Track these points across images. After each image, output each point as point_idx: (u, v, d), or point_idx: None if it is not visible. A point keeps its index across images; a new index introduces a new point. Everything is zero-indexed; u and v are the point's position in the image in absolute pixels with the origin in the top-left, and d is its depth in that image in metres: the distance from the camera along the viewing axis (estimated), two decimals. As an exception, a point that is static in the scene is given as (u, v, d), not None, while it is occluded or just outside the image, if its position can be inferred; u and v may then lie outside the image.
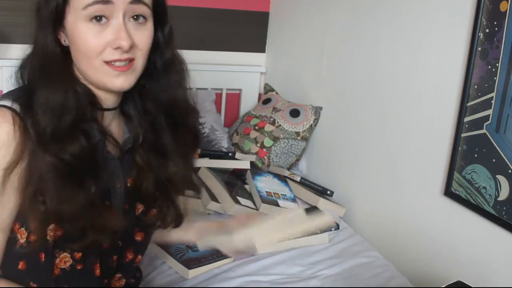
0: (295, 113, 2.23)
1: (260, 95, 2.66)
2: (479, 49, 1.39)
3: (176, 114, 1.02)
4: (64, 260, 0.95)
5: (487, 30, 1.36)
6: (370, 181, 1.88)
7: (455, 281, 1.09)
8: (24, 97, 0.88)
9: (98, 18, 0.86)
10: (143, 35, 0.90)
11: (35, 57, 0.91)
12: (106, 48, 0.87)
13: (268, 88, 2.53)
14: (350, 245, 1.70)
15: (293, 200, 1.91)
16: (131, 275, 1.12)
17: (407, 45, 1.68)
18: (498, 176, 1.35)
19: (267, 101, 2.41)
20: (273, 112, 2.30)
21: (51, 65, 0.89)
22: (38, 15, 0.89)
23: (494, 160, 1.35)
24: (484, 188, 1.39)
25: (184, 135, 1.05)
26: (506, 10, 1.30)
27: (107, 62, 0.88)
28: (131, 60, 0.89)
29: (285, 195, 1.91)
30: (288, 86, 2.46)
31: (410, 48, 1.67)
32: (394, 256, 1.69)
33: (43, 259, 0.93)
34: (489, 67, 1.36)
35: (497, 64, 1.33)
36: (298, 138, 2.20)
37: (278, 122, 2.24)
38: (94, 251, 0.97)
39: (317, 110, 2.20)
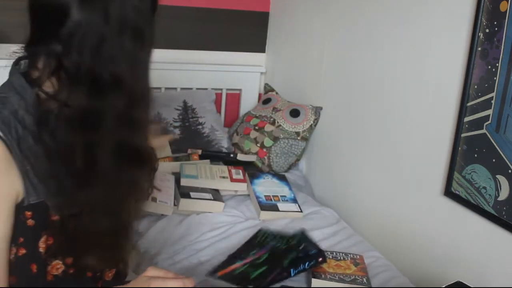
0: (295, 113, 2.23)
1: (260, 95, 2.66)
2: (479, 49, 1.39)
3: None
4: (56, 267, 0.96)
5: (487, 30, 1.36)
6: (370, 181, 1.88)
7: (455, 281, 1.09)
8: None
9: None
10: None
11: None
12: None
13: (268, 88, 2.53)
14: (350, 245, 1.69)
15: (294, 200, 1.90)
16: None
17: (407, 45, 1.68)
18: (498, 176, 1.35)
19: (267, 101, 2.41)
20: (273, 112, 2.30)
21: None
22: None
23: (494, 160, 1.35)
24: (484, 188, 1.39)
25: None
26: (506, 10, 1.30)
27: None
28: None
29: (285, 196, 1.91)
30: (288, 86, 2.46)
31: (410, 48, 1.67)
32: (394, 256, 1.69)
33: (34, 270, 0.93)
34: (489, 67, 1.36)
35: (497, 64, 1.33)
36: (298, 138, 2.20)
37: (278, 122, 2.24)
38: None
39: (317, 110, 2.20)
